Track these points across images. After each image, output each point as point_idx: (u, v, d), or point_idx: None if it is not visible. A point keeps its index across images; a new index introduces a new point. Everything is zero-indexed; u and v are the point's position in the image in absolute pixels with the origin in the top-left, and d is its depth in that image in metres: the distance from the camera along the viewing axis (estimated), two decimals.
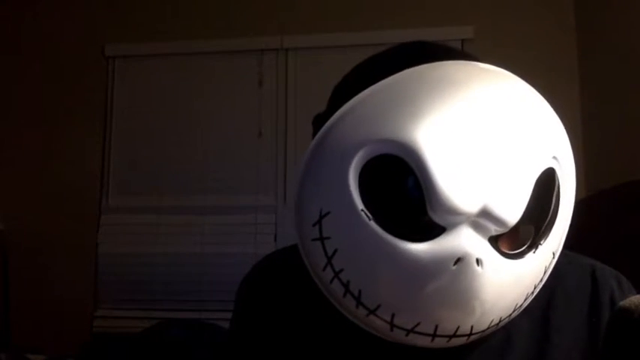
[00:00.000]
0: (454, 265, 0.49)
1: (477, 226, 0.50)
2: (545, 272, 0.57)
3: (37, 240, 2.46)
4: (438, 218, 0.49)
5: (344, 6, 2.47)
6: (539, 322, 0.63)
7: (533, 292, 0.57)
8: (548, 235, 0.54)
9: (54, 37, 2.61)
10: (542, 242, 0.54)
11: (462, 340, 0.54)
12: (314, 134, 0.63)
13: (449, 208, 0.48)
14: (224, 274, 2.33)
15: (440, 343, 0.53)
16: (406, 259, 0.50)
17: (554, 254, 0.57)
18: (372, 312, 0.53)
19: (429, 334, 0.52)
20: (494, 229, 0.50)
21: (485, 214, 0.49)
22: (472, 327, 0.53)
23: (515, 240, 0.53)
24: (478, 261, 0.49)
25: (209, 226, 2.43)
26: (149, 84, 2.56)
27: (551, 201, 0.54)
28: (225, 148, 2.47)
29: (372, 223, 0.50)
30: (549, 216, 0.54)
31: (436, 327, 0.52)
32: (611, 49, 2.03)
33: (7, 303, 2.41)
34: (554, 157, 0.54)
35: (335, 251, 0.52)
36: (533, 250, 0.53)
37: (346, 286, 0.53)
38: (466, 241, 0.49)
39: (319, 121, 0.62)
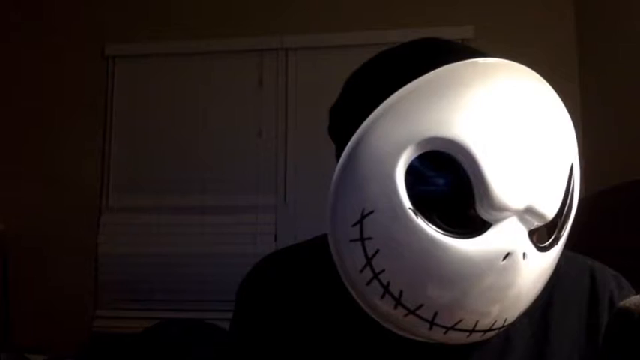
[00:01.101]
0: (503, 260, 0.50)
1: (520, 221, 0.51)
2: (559, 264, 0.58)
3: (37, 240, 2.46)
4: (486, 214, 0.50)
5: (344, 6, 2.47)
6: (538, 322, 0.63)
7: (542, 287, 0.58)
8: (566, 228, 0.56)
9: (54, 37, 2.61)
10: (562, 235, 0.55)
11: (494, 333, 0.55)
12: (331, 126, 0.64)
13: (499, 204, 0.49)
14: (224, 274, 2.32)
15: (474, 338, 0.54)
16: (456, 256, 0.50)
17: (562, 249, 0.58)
18: (413, 312, 0.52)
19: (467, 330, 0.53)
20: (534, 224, 0.52)
21: (530, 209, 0.51)
22: (505, 320, 0.54)
23: (542, 233, 0.55)
24: (524, 255, 0.51)
25: (209, 226, 2.43)
26: (149, 84, 2.56)
27: (569, 196, 0.56)
28: (225, 148, 2.47)
29: (420, 221, 0.50)
30: (566, 210, 0.56)
31: (476, 322, 0.52)
32: (611, 49, 2.03)
33: (7, 303, 2.41)
34: (574, 157, 0.56)
35: (376, 252, 0.52)
36: (557, 242, 0.55)
37: (386, 287, 0.52)
38: (513, 236, 0.51)
39: (336, 113, 0.62)
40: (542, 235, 0.55)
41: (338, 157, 0.63)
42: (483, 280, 0.50)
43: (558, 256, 0.57)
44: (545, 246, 0.54)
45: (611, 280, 0.66)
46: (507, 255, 0.50)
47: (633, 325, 0.49)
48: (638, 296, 0.53)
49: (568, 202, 0.56)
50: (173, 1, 2.59)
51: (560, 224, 0.55)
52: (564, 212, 0.56)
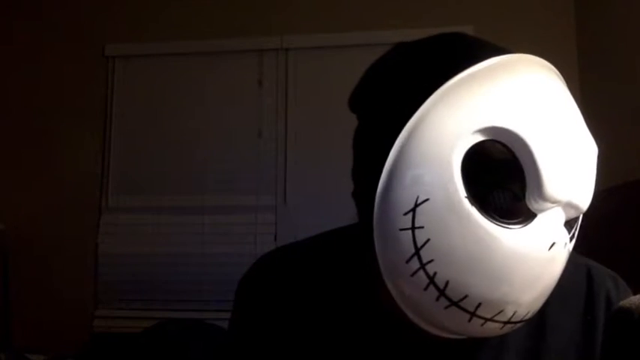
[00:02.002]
0: (549, 250, 0.52)
1: (562, 212, 0.53)
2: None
3: (37, 240, 2.46)
4: (535, 205, 0.51)
5: (344, 6, 2.47)
6: (535, 320, 0.62)
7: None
8: (579, 221, 0.57)
9: (54, 37, 2.61)
10: (577, 227, 0.57)
11: (518, 325, 0.56)
12: (359, 115, 0.63)
13: (549, 196, 0.51)
14: (224, 274, 2.32)
15: (506, 329, 0.55)
16: (506, 246, 0.51)
17: None
18: (456, 303, 0.52)
19: (503, 322, 0.53)
20: (569, 216, 0.54)
21: (570, 202, 0.52)
22: (535, 310, 0.55)
23: (570, 222, 0.56)
24: (565, 244, 0.53)
25: (209, 226, 2.44)
26: (149, 84, 2.56)
27: None
28: (225, 148, 2.47)
29: (474, 211, 0.51)
30: None
31: (514, 313, 0.53)
32: (611, 49, 2.03)
33: (7, 303, 2.41)
34: None
35: (426, 241, 0.52)
36: (575, 232, 0.57)
37: (432, 278, 0.52)
38: (557, 226, 0.53)
39: (360, 103, 0.62)
40: (571, 223, 0.57)
41: (363, 148, 0.62)
42: (529, 271, 0.52)
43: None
44: (572, 236, 0.56)
45: (608, 280, 0.66)
46: (553, 245, 0.52)
47: (633, 325, 0.49)
48: (638, 296, 0.53)
49: None
50: (173, 1, 2.59)
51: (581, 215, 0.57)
52: None
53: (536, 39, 2.30)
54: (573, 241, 0.57)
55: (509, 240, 0.51)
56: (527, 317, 0.55)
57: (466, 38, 0.64)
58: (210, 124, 2.49)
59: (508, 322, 0.54)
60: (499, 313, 0.53)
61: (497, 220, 0.51)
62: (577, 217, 0.56)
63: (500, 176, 0.52)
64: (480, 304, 0.52)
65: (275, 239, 2.39)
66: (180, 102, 2.52)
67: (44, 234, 2.47)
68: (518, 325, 0.55)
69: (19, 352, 2.04)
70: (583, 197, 0.53)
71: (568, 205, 0.53)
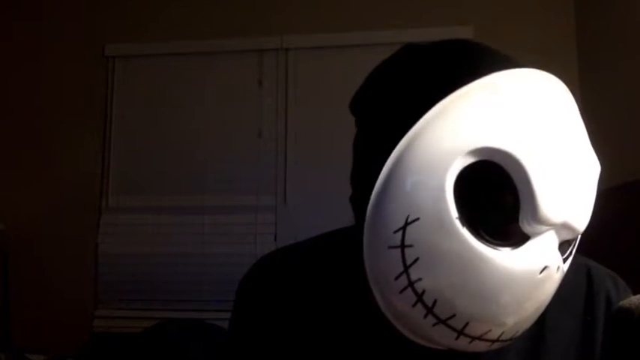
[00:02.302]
0: (540, 273, 0.51)
1: (555, 235, 0.52)
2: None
3: (37, 240, 2.46)
4: (528, 227, 0.50)
5: (344, 6, 2.47)
6: (535, 323, 0.62)
7: None
8: (576, 241, 0.57)
9: (54, 37, 2.61)
10: (574, 247, 0.57)
11: (508, 343, 0.55)
12: (357, 121, 0.63)
13: (543, 218, 0.50)
14: (224, 274, 2.32)
15: (495, 346, 0.54)
16: (496, 269, 0.50)
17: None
18: (443, 321, 0.52)
19: (491, 340, 0.53)
20: (564, 238, 0.53)
21: (566, 224, 0.51)
22: (524, 328, 0.55)
23: (564, 244, 0.55)
24: (558, 268, 0.52)
25: (209, 226, 2.43)
26: (149, 84, 2.56)
27: None
28: (225, 148, 2.47)
29: (465, 232, 0.50)
30: None
31: (502, 333, 0.53)
32: (611, 49, 2.03)
33: (7, 303, 2.41)
34: None
35: (415, 260, 0.51)
36: (571, 254, 0.56)
37: (420, 295, 0.52)
38: (550, 250, 0.52)
39: (362, 107, 0.62)
40: (565, 245, 0.56)
41: (360, 153, 0.62)
42: (519, 293, 0.51)
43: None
44: (566, 257, 0.55)
45: (608, 280, 0.66)
46: (544, 268, 0.51)
47: (633, 325, 0.49)
48: (638, 296, 0.53)
49: None
50: (173, 1, 2.59)
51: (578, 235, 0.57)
52: None
53: (536, 39, 2.30)
54: (568, 262, 0.56)
55: (500, 262, 0.50)
56: (516, 335, 0.55)
57: (472, 47, 0.63)
58: (210, 124, 2.49)
59: (496, 340, 0.53)
60: (487, 332, 0.52)
61: (488, 241, 0.50)
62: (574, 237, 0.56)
63: (494, 197, 0.52)
64: (467, 324, 0.52)
65: (275, 239, 2.39)
66: (180, 102, 2.52)
67: (44, 234, 2.47)
68: (507, 342, 0.55)
69: (19, 352, 2.04)
70: (580, 219, 0.53)
71: (563, 227, 0.52)
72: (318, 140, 2.40)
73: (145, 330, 2.09)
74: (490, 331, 0.52)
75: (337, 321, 0.65)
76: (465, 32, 2.35)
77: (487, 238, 0.50)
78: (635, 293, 0.58)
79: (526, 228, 0.50)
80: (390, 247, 0.52)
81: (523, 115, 0.52)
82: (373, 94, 0.62)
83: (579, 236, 0.57)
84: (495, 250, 0.50)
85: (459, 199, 0.50)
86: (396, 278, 0.52)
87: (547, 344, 0.63)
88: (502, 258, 0.50)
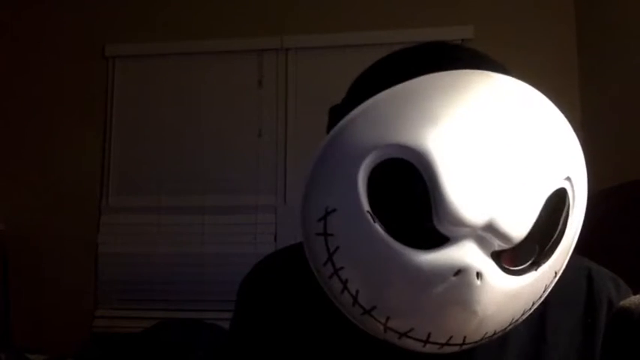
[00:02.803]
0: (454, 276, 0.49)
1: (481, 240, 0.49)
2: (545, 290, 0.56)
3: (37, 240, 2.46)
4: (442, 228, 0.49)
5: (344, 6, 2.47)
6: (536, 321, 0.63)
7: (530, 308, 0.56)
8: (551, 255, 0.53)
9: (54, 37, 2.61)
10: (544, 262, 0.53)
11: (455, 349, 0.54)
12: (329, 126, 0.64)
13: (454, 218, 0.48)
14: (224, 274, 2.32)
15: (432, 349, 0.53)
16: (407, 266, 0.49)
17: (556, 273, 0.56)
18: (368, 312, 0.53)
19: (421, 340, 0.52)
20: (498, 245, 0.50)
21: (491, 228, 0.49)
22: (465, 338, 0.53)
23: (518, 256, 0.52)
24: (478, 274, 0.49)
25: (209, 226, 2.43)
26: (149, 84, 2.56)
27: (559, 222, 0.54)
28: (225, 148, 2.47)
29: (376, 226, 0.50)
30: (555, 236, 0.54)
31: (429, 334, 0.52)
32: (611, 49, 2.03)
33: (7, 303, 2.41)
34: (568, 178, 0.54)
35: (337, 248, 0.52)
36: (535, 268, 0.52)
37: (344, 283, 0.53)
38: (468, 253, 0.49)
39: (335, 113, 0.63)
40: (515, 255, 0.52)
41: None
42: (432, 293, 0.49)
43: (547, 281, 0.55)
44: (516, 270, 0.51)
45: (609, 282, 0.66)
46: (458, 272, 0.49)
47: (633, 325, 0.49)
48: (638, 296, 0.53)
49: (561, 224, 0.53)
50: (173, 1, 2.59)
51: (540, 249, 0.53)
52: (546, 235, 0.53)
53: (536, 39, 2.30)
54: (525, 277, 0.52)
55: (412, 260, 0.49)
56: (454, 342, 0.53)
57: (439, 49, 0.63)
58: (210, 124, 2.49)
59: (427, 341, 0.52)
60: (410, 330, 0.52)
61: (400, 238, 0.50)
62: (540, 251, 0.53)
63: (407, 195, 0.51)
64: (388, 318, 0.52)
65: (275, 239, 2.39)
66: (180, 102, 2.52)
67: (44, 234, 2.47)
68: (451, 348, 0.53)
69: (19, 352, 2.04)
70: (510, 224, 0.49)
71: (489, 233, 0.49)
72: (318, 140, 2.38)
73: (145, 330, 2.09)
74: (413, 329, 0.52)
75: (338, 321, 0.65)
76: (465, 32, 2.35)
77: (399, 235, 0.50)
78: (635, 294, 0.58)
79: (441, 228, 0.49)
80: (317, 234, 0.53)
81: (443, 114, 0.50)
82: (344, 98, 0.64)
83: (558, 250, 0.53)
84: (406, 248, 0.49)
85: (374, 195, 0.51)
86: (324, 264, 0.53)
87: (548, 345, 0.63)
88: (413, 256, 0.49)
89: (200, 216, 2.44)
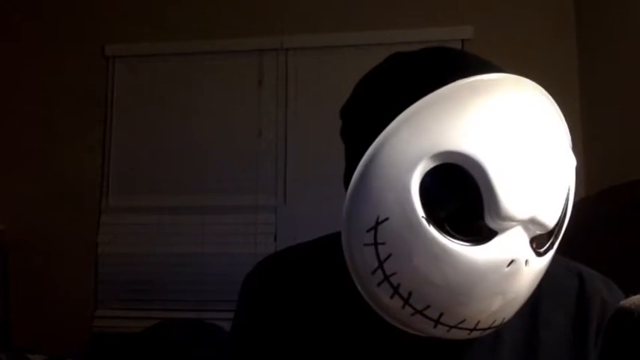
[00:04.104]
0: (507, 267, 0.54)
1: (524, 231, 0.55)
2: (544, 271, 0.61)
3: (37, 240, 2.46)
4: (493, 224, 0.53)
5: (344, 6, 2.47)
6: (528, 318, 0.66)
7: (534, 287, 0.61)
8: (559, 237, 0.60)
9: (54, 37, 2.61)
10: (556, 241, 0.59)
11: (492, 331, 0.59)
12: (343, 127, 0.67)
13: (506, 215, 0.53)
14: (224, 274, 2.33)
15: (475, 335, 0.58)
16: (463, 263, 0.53)
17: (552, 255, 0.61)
18: (420, 312, 0.56)
19: (468, 329, 0.57)
20: (536, 233, 0.55)
21: (533, 219, 0.54)
22: (504, 319, 0.58)
23: (543, 239, 0.58)
24: (526, 262, 0.55)
25: (209, 226, 2.44)
26: (149, 84, 2.56)
27: (566, 205, 0.59)
28: (225, 148, 2.47)
29: (432, 229, 0.53)
30: (561, 218, 0.59)
31: (478, 322, 0.56)
32: (611, 49, 2.03)
33: (7, 303, 2.41)
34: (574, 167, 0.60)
35: (389, 256, 0.55)
36: (551, 249, 0.59)
37: (396, 288, 0.55)
38: (517, 244, 0.54)
39: (348, 115, 0.65)
40: (541, 239, 0.58)
41: (348, 157, 0.65)
42: (488, 286, 0.54)
43: (551, 259, 0.61)
44: (542, 251, 0.58)
45: (601, 283, 0.69)
46: (511, 262, 0.54)
47: (633, 325, 0.49)
48: (638, 296, 0.53)
49: (564, 208, 0.59)
50: (173, 2, 2.59)
51: (556, 231, 0.59)
52: (564, 220, 0.60)
53: (536, 39, 2.30)
54: (548, 255, 0.58)
55: (466, 256, 0.53)
56: (495, 325, 0.58)
57: (449, 54, 0.66)
58: (210, 124, 2.50)
59: (474, 329, 0.57)
60: (462, 321, 0.56)
61: (454, 237, 0.54)
62: (552, 233, 0.58)
63: (459, 197, 0.55)
64: (442, 314, 0.56)
65: (275, 239, 2.39)
66: (181, 102, 2.53)
67: (44, 234, 2.47)
68: (490, 330, 0.58)
69: (19, 352, 2.04)
70: (547, 215, 0.55)
71: (531, 223, 0.54)
72: (318, 140, 2.39)
73: (145, 330, 2.09)
74: (465, 320, 0.56)
75: (339, 320, 0.66)
76: (465, 32, 2.35)
77: (453, 234, 0.54)
78: (634, 294, 0.58)
79: (491, 224, 0.53)
80: (365, 245, 0.56)
81: (486, 118, 0.55)
82: (357, 100, 0.66)
83: (562, 230, 0.59)
84: (461, 246, 0.53)
85: (426, 200, 0.54)
86: (373, 272, 0.56)
87: (540, 339, 0.65)
88: (468, 252, 0.53)
89: (200, 216, 2.44)
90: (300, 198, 2.40)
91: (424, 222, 0.53)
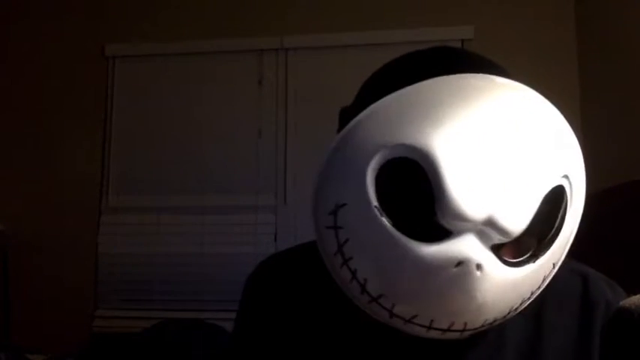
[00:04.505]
0: (455, 267, 0.52)
1: (481, 234, 0.52)
2: (543, 280, 0.59)
3: (37, 240, 2.46)
4: (445, 222, 0.52)
5: (344, 6, 2.47)
6: (532, 319, 0.65)
7: (529, 298, 0.59)
8: (549, 248, 0.56)
9: (54, 37, 2.61)
10: (542, 254, 0.56)
11: (456, 335, 0.57)
12: (339, 128, 0.66)
13: (456, 213, 0.51)
14: (224, 274, 2.33)
15: (434, 334, 0.57)
16: (411, 257, 0.53)
17: (554, 265, 0.59)
18: (375, 300, 0.56)
19: (424, 326, 0.56)
20: (498, 238, 0.52)
21: (490, 223, 0.51)
22: (465, 324, 0.56)
23: (518, 249, 0.55)
24: (478, 266, 0.52)
25: (209, 226, 2.44)
26: (149, 84, 2.56)
27: (557, 217, 0.56)
28: (225, 148, 2.47)
29: (384, 220, 0.53)
30: (553, 231, 0.56)
31: (431, 321, 0.55)
32: (611, 49, 2.03)
33: (7, 303, 2.41)
34: (565, 176, 0.56)
35: (346, 240, 0.56)
36: (533, 260, 0.55)
37: (353, 273, 0.56)
38: (469, 246, 0.52)
39: (345, 115, 0.65)
40: (515, 248, 0.55)
41: None
42: (434, 283, 0.53)
43: (545, 272, 0.58)
44: (514, 262, 0.54)
45: (605, 285, 0.68)
46: (459, 263, 0.52)
47: (633, 325, 0.49)
48: (638, 296, 0.53)
49: (558, 220, 0.56)
50: (173, 2, 2.59)
51: (539, 242, 0.56)
52: (545, 230, 0.56)
53: (536, 39, 2.30)
54: (524, 268, 0.55)
55: (416, 252, 0.52)
56: (455, 328, 0.55)
57: (445, 53, 0.65)
58: (210, 124, 2.50)
59: (430, 327, 0.55)
60: (415, 317, 0.55)
61: (405, 232, 0.53)
62: (539, 244, 0.55)
63: (412, 191, 0.54)
64: (394, 305, 0.55)
65: (275, 239, 2.39)
66: (180, 102, 2.53)
67: (44, 234, 2.47)
68: (452, 334, 0.56)
69: (19, 352, 2.04)
70: (508, 219, 0.51)
71: (489, 228, 0.51)
72: (318, 140, 2.39)
73: (145, 330, 2.09)
74: (417, 316, 0.55)
75: (342, 321, 0.66)
76: (465, 32, 2.35)
77: (405, 228, 0.53)
78: (634, 294, 0.58)
79: (444, 223, 0.52)
80: (327, 227, 0.57)
81: (448, 116, 0.53)
82: (349, 106, 0.66)
83: (555, 243, 0.56)
84: (410, 241, 0.53)
85: (382, 191, 0.54)
86: (335, 254, 0.57)
87: (545, 343, 0.64)
88: (416, 248, 0.52)
89: (200, 216, 2.44)
90: (300, 198, 2.40)
91: (376, 211, 0.53)
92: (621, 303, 0.52)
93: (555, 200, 0.56)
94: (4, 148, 2.56)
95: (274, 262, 0.75)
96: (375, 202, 0.54)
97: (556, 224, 0.56)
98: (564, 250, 0.59)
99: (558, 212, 0.56)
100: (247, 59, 2.51)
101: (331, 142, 0.60)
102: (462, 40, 2.34)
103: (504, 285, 0.54)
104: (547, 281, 0.59)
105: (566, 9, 2.34)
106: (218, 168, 2.46)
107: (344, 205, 0.55)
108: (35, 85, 2.60)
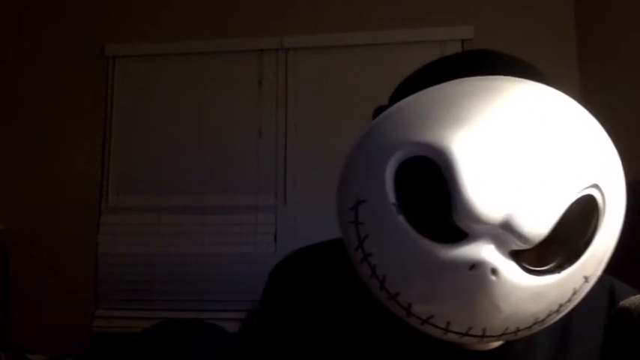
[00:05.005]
0: (469, 270, 0.50)
1: (498, 238, 0.51)
2: (574, 294, 0.56)
3: (37, 240, 2.46)
4: (461, 223, 0.51)
5: (344, 6, 2.47)
6: (560, 331, 0.65)
7: (558, 311, 0.56)
8: (576, 260, 0.54)
9: (54, 37, 2.61)
10: (568, 266, 0.53)
11: (475, 340, 0.55)
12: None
13: (471, 214, 0.50)
14: (224, 274, 2.33)
15: (452, 337, 0.55)
16: (426, 257, 0.52)
17: (586, 278, 0.56)
18: (393, 297, 0.56)
19: (441, 328, 0.55)
20: (516, 244, 0.50)
21: (507, 226, 0.50)
22: (484, 330, 0.54)
23: (543, 257, 0.53)
24: (493, 270, 0.50)
25: (209, 226, 2.43)
26: (149, 84, 2.56)
27: (588, 229, 0.54)
28: (225, 148, 2.47)
29: (400, 218, 0.53)
30: (581, 243, 0.54)
31: (448, 323, 0.54)
32: (611, 49, 2.03)
33: (7, 303, 2.41)
34: (596, 186, 0.54)
35: (366, 236, 0.56)
36: (558, 271, 0.53)
37: (373, 269, 0.56)
38: (484, 249, 0.50)
39: (377, 113, 0.65)
40: (536, 254, 0.52)
41: None
42: (448, 285, 0.52)
43: (575, 285, 0.55)
44: (535, 270, 0.52)
45: (631, 295, 0.67)
46: (473, 266, 0.50)
47: (633, 325, 0.49)
48: (638, 296, 0.53)
49: (590, 232, 0.54)
50: (173, 1, 2.59)
51: (565, 253, 0.54)
52: (573, 241, 0.54)
53: (536, 39, 2.30)
54: (553, 276, 0.53)
55: (430, 252, 0.52)
56: (474, 333, 0.54)
57: (484, 56, 0.65)
58: (210, 124, 2.50)
59: (447, 330, 0.54)
60: (431, 317, 0.54)
61: (422, 231, 0.52)
62: (568, 254, 0.53)
63: (430, 190, 0.53)
64: (410, 304, 0.55)
65: (275, 239, 2.39)
66: (180, 102, 2.53)
67: (44, 234, 2.47)
68: (471, 339, 0.54)
69: (19, 352, 2.04)
70: (527, 226, 0.50)
71: (506, 232, 0.50)
72: (318, 140, 2.40)
73: (145, 330, 2.09)
74: (433, 316, 0.54)
75: (364, 319, 0.67)
76: (465, 32, 2.35)
77: (422, 228, 0.52)
78: (636, 294, 0.58)
79: (460, 224, 0.51)
80: (349, 222, 0.57)
81: (470, 116, 0.53)
82: (384, 105, 0.66)
83: (586, 254, 0.54)
84: (425, 240, 0.52)
85: (402, 189, 0.54)
86: (356, 249, 0.57)
87: (572, 353, 0.65)
88: (431, 248, 0.52)
89: (200, 216, 2.44)
90: (300, 198, 2.40)
91: (394, 209, 0.53)
92: (621, 303, 0.52)
93: (587, 210, 0.54)
94: (4, 148, 2.56)
95: (297, 258, 0.75)
96: (392, 200, 0.53)
97: (586, 236, 0.54)
98: (599, 264, 0.57)
99: (590, 223, 0.54)
100: (247, 59, 2.51)
101: (356, 137, 0.60)
102: (462, 40, 2.34)
103: (524, 292, 0.52)
104: (579, 295, 0.57)
105: (566, 8, 2.34)
106: (218, 168, 2.46)
107: (364, 200, 0.56)
108: (35, 85, 2.60)
